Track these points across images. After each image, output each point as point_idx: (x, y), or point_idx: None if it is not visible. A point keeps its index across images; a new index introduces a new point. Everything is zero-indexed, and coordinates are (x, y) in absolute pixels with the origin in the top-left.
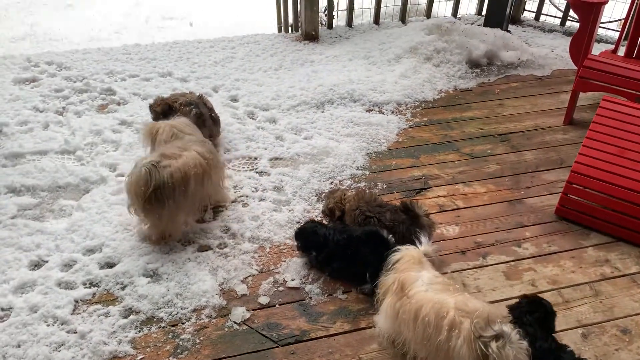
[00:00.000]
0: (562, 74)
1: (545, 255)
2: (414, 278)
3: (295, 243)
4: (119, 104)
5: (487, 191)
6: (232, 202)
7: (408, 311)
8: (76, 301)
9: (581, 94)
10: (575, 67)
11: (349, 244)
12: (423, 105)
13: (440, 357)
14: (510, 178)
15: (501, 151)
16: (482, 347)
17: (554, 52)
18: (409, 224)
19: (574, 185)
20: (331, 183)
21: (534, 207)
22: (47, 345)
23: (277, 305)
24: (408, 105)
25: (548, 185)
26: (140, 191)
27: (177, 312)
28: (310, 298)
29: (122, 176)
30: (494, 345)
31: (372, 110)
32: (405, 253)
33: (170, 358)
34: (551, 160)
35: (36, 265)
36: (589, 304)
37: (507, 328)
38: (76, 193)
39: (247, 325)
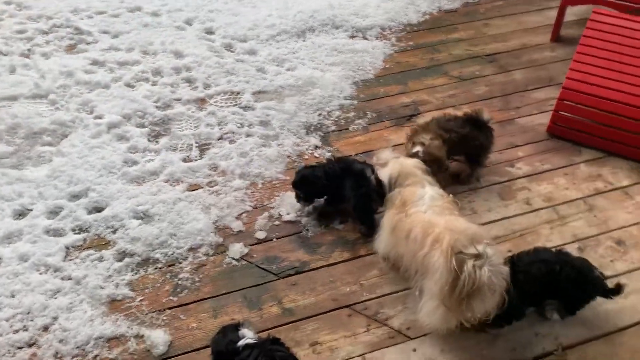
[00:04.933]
0: None
1: (538, 173)
2: (418, 195)
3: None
4: (88, 43)
5: None
6: (219, 139)
7: (402, 229)
8: (67, 248)
9: (567, 9)
10: None
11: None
12: (408, 28)
13: (423, 269)
14: (500, 99)
15: (489, 72)
16: (459, 262)
17: None
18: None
19: (565, 101)
20: (319, 115)
21: (526, 127)
22: (42, 294)
23: (274, 239)
24: (392, 30)
25: (538, 104)
26: None
27: (173, 252)
28: (307, 230)
29: (100, 118)
30: (470, 263)
31: (355, 36)
32: (396, 167)
33: (171, 297)
34: (540, 79)
35: (20, 214)
36: (584, 219)
37: (490, 250)
38: (54, 138)
39: (245, 260)
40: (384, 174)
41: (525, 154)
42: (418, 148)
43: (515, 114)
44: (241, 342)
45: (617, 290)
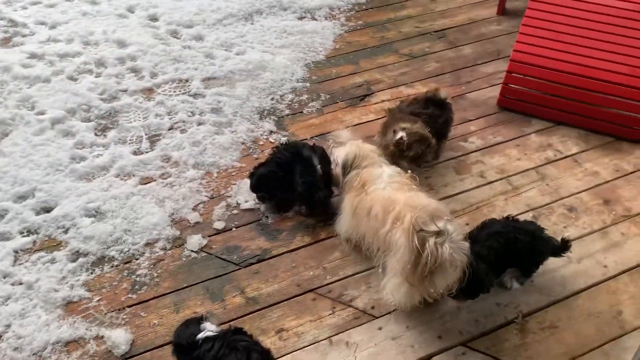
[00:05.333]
0: None
1: (491, 146)
2: (376, 175)
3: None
4: (24, 35)
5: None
6: (169, 129)
7: (363, 207)
8: (15, 252)
9: None
10: None
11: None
12: (356, 7)
13: (386, 247)
14: (451, 74)
15: (439, 48)
16: (420, 240)
17: None
18: (441, 115)
19: (513, 74)
20: (272, 99)
21: (477, 101)
22: None
23: (233, 229)
24: (341, 9)
25: (488, 78)
26: None
27: (129, 249)
28: (267, 217)
29: (43, 114)
30: (431, 240)
31: (304, 17)
32: (352, 149)
33: (129, 295)
34: (489, 52)
35: None
36: (537, 188)
37: (451, 227)
38: None
39: (205, 252)
40: (339, 156)
41: (477, 127)
42: (401, 133)
43: (466, 89)
44: (200, 335)
45: (565, 246)
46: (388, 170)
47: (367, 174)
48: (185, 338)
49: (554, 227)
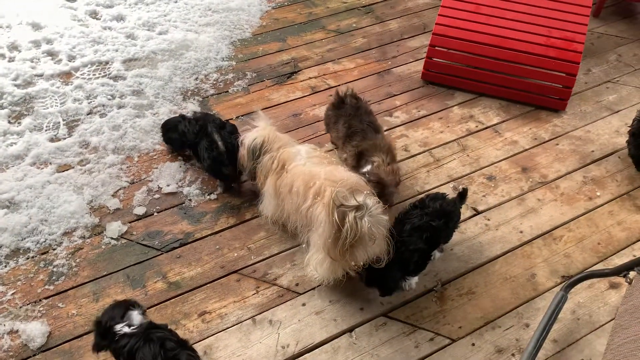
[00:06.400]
0: None
1: (415, 120)
2: (294, 153)
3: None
4: None
5: (356, 66)
6: (88, 114)
7: (285, 184)
8: None
9: None
10: None
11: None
12: None
13: (308, 222)
14: (377, 50)
15: (366, 23)
16: (340, 215)
17: None
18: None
19: (436, 47)
20: (196, 79)
21: (402, 76)
22: None
23: (155, 214)
24: None
25: (413, 52)
26: None
27: (45, 239)
28: (190, 200)
29: None
30: (351, 215)
31: None
32: (260, 134)
33: (46, 286)
34: (414, 27)
35: None
36: (458, 159)
37: (370, 200)
38: None
39: (125, 238)
40: (247, 140)
41: (402, 102)
42: (366, 169)
43: (392, 64)
44: (119, 327)
45: (463, 195)
46: (304, 148)
47: (285, 154)
48: (106, 319)
49: (473, 195)
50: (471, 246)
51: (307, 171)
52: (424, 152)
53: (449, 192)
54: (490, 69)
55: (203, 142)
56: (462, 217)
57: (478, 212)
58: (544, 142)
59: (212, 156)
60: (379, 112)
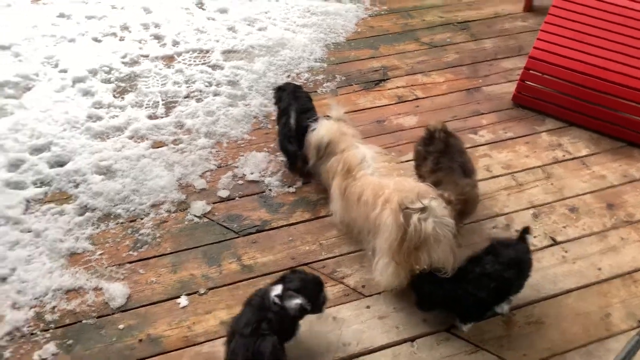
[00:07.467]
0: None
1: (500, 141)
2: (359, 158)
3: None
4: None
5: (445, 80)
6: (185, 97)
7: (353, 193)
8: (27, 201)
9: None
10: None
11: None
12: None
13: (375, 229)
14: (469, 67)
15: (461, 40)
16: (406, 217)
17: None
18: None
19: (531, 71)
20: (288, 76)
21: (491, 95)
22: (0, 245)
23: (237, 198)
24: None
25: (506, 73)
26: None
27: (135, 208)
28: (270, 190)
29: (65, 72)
30: (415, 216)
31: None
32: (327, 133)
33: (130, 252)
34: (510, 48)
35: None
36: (541, 186)
37: (435, 203)
38: (16, 91)
39: (207, 218)
40: (314, 135)
41: (488, 121)
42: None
43: (482, 82)
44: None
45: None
46: (369, 153)
47: (350, 157)
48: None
49: (553, 225)
50: (545, 276)
51: (376, 182)
52: (506, 174)
53: (529, 218)
54: (585, 99)
55: (283, 118)
56: (540, 246)
57: (556, 243)
58: (634, 181)
59: (283, 132)
60: (463, 129)
